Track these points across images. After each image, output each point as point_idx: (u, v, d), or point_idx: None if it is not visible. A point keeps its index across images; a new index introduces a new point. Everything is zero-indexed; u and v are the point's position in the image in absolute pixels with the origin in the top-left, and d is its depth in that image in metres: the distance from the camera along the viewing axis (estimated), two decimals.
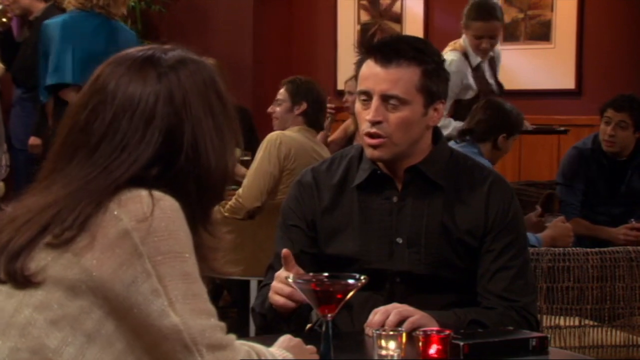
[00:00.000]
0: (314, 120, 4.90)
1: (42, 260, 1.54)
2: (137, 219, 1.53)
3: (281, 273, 2.24)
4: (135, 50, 1.68)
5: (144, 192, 1.55)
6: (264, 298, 2.36)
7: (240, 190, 4.71)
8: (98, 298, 1.52)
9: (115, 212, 1.53)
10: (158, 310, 1.51)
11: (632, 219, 4.84)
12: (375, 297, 2.38)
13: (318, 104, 4.93)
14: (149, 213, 1.53)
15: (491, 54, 5.27)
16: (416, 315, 2.19)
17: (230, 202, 4.73)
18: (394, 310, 2.19)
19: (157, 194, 1.56)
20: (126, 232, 1.52)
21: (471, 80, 5.16)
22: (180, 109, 1.62)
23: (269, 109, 5.04)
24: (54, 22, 5.12)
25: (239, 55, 7.28)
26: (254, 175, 4.68)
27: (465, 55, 5.19)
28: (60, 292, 1.53)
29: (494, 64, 5.31)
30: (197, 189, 1.63)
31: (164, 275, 1.52)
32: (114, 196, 1.55)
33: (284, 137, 4.74)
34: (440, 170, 2.44)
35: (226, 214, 4.71)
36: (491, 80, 5.25)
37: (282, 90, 4.96)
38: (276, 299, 2.24)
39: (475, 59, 5.18)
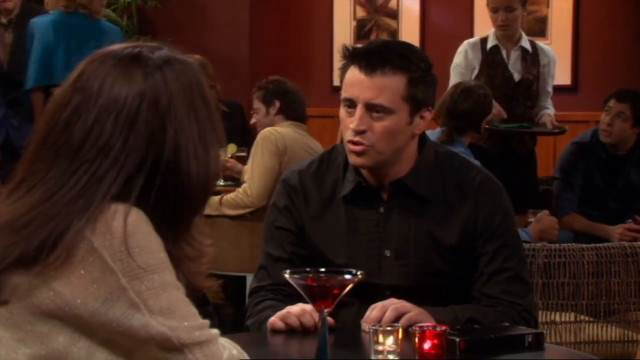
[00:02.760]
0: (293, 112, 4.99)
1: (9, 277, 1.50)
2: (105, 237, 1.49)
3: (295, 308, 2.20)
4: (120, 47, 1.62)
5: (113, 207, 1.51)
6: (260, 320, 2.32)
7: (248, 190, 4.70)
8: (68, 315, 1.49)
9: (83, 230, 1.49)
10: (140, 323, 1.49)
11: (630, 220, 4.84)
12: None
13: (291, 96, 5.02)
14: (118, 229, 1.49)
15: (526, 47, 5.19)
16: (413, 312, 2.18)
17: (231, 195, 4.73)
18: (391, 306, 2.18)
19: (124, 207, 1.51)
20: (94, 250, 1.48)
21: (475, 61, 5.16)
22: (165, 113, 1.56)
23: (252, 121, 5.20)
24: (42, 22, 5.12)
25: (235, 51, 7.28)
26: (259, 174, 4.67)
27: (484, 39, 5.21)
28: (28, 310, 1.50)
29: (535, 61, 5.22)
30: (178, 199, 1.57)
31: (141, 290, 1.49)
32: (85, 213, 1.50)
33: (277, 133, 4.77)
34: (426, 181, 2.39)
35: (225, 209, 4.71)
36: (515, 73, 5.16)
37: (254, 99, 5.11)
38: (278, 325, 2.20)
39: (492, 42, 5.17)
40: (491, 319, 2.30)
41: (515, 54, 5.18)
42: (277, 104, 4.98)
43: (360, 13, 7.49)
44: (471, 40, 5.31)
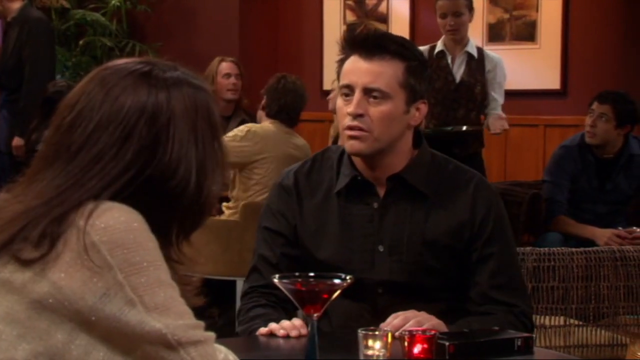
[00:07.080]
0: (276, 113, 5.12)
1: (6, 272, 1.52)
2: (104, 232, 1.51)
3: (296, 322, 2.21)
4: (134, 61, 1.65)
5: (107, 205, 1.54)
6: (250, 330, 2.32)
7: None
8: (68, 311, 1.50)
9: (81, 225, 1.51)
10: (136, 319, 1.50)
11: (620, 226, 4.86)
12: (359, 306, 2.37)
13: (275, 94, 5.13)
14: (115, 226, 1.51)
15: (472, 52, 5.22)
16: (432, 322, 2.18)
17: None
18: (413, 318, 2.18)
19: (120, 206, 1.54)
20: (93, 245, 1.50)
21: None
22: (161, 131, 1.59)
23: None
24: None
25: (226, 55, 7.27)
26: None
27: (433, 46, 5.26)
28: (26, 305, 1.51)
29: (480, 67, 5.23)
30: (168, 216, 1.60)
31: (137, 286, 1.50)
32: (80, 209, 1.53)
33: (257, 126, 5.04)
34: (423, 177, 2.41)
35: None
36: (457, 77, 5.20)
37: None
38: (263, 331, 2.20)
39: (439, 47, 5.23)
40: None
41: (460, 59, 5.24)
42: (264, 99, 5.14)
43: (350, 17, 7.50)
44: (420, 48, 5.33)
